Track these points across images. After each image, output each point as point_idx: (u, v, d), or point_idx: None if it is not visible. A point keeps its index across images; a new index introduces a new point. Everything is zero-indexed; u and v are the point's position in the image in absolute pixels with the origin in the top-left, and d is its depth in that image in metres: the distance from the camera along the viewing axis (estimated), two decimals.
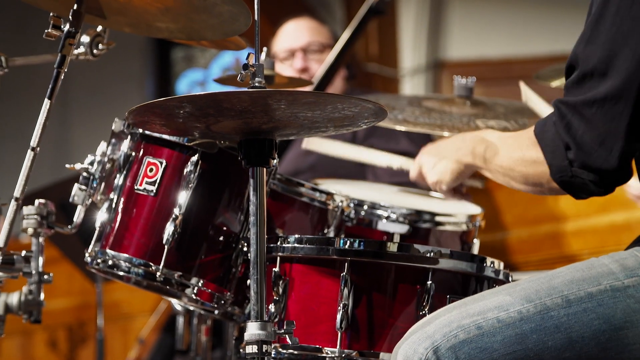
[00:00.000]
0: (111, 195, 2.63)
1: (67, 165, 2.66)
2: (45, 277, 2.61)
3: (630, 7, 2.03)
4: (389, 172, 3.90)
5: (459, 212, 2.95)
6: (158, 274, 2.51)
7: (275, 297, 2.38)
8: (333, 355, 2.31)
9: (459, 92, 3.19)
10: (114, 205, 2.62)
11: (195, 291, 2.54)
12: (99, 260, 2.60)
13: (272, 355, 2.18)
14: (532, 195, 3.77)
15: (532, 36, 6.45)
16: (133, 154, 2.62)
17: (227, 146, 2.55)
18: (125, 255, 2.56)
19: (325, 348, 2.32)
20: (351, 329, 2.31)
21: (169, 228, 2.52)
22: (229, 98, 2.05)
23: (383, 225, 2.81)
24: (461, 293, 2.32)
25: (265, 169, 2.18)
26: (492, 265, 2.38)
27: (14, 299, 2.62)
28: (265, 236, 2.18)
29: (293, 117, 2.13)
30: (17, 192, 2.42)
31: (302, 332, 2.32)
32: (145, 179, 2.58)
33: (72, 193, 2.63)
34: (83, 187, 2.62)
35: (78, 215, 2.64)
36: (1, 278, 2.51)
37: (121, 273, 2.57)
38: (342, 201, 2.72)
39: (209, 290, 2.54)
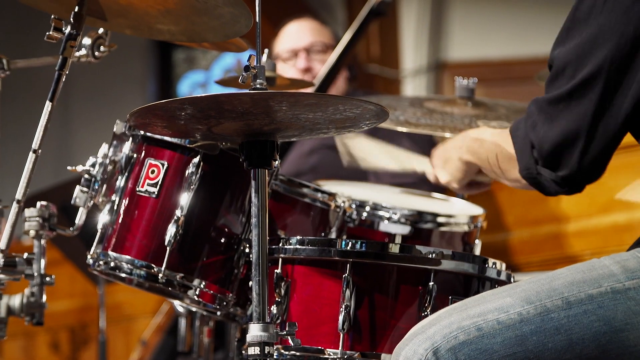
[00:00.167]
0: (113, 197, 2.63)
1: (68, 168, 2.66)
2: (47, 279, 2.62)
3: (600, 13, 2.05)
4: (390, 173, 3.90)
5: (460, 213, 2.95)
6: (160, 275, 2.51)
7: (277, 299, 2.38)
8: (335, 357, 2.31)
9: (461, 93, 3.20)
10: (115, 207, 2.62)
11: (197, 293, 2.54)
12: (100, 262, 2.60)
13: (274, 357, 2.18)
14: (534, 195, 3.76)
15: (534, 37, 6.44)
16: (135, 155, 2.62)
17: (228, 148, 2.55)
18: (127, 257, 2.56)
19: (327, 349, 2.32)
20: (353, 330, 2.31)
21: (171, 230, 2.52)
22: (230, 100, 2.05)
23: (385, 227, 2.81)
24: (463, 294, 2.32)
25: (266, 171, 2.18)
26: (494, 266, 2.38)
27: (16, 301, 2.62)
28: (267, 238, 2.18)
29: (294, 119, 2.13)
30: (18, 195, 2.42)
31: (304, 334, 2.32)
32: (147, 181, 2.58)
33: (74, 195, 2.63)
34: (85, 189, 2.62)
35: (80, 217, 2.64)
36: (3, 280, 2.52)
37: (123, 275, 2.57)
38: (344, 202, 2.72)
39: (211, 292, 2.54)
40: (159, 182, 2.56)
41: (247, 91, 2.06)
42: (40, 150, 2.43)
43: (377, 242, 2.38)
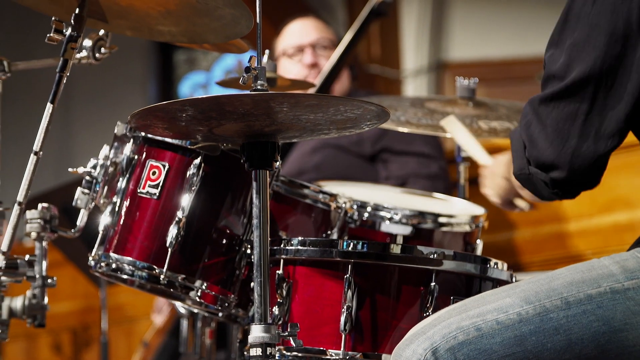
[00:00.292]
0: (114, 199, 2.63)
1: (70, 169, 2.66)
2: (49, 281, 2.62)
3: (589, 14, 2.05)
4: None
5: (462, 213, 2.95)
6: (162, 277, 2.51)
7: (279, 300, 2.38)
8: (337, 358, 2.31)
9: (462, 93, 3.20)
10: (117, 209, 2.62)
11: (199, 294, 2.54)
12: (102, 264, 2.60)
13: (276, 358, 2.18)
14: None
15: (534, 37, 6.42)
16: (136, 157, 2.62)
17: (229, 149, 2.55)
18: (129, 258, 2.56)
19: (329, 350, 2.32)
20: (355, 330, 2.31)
21: (172, 231, 2.52)
22: (231, 101, 2.06)
23: (386, 227, 2.81)
24: (464, 294, 2.32)
25: (268, 172, 2.18)
26: (495, 266, 2.38)
27: (17, 303, 2.62)
28: (269, 239, 2.18)
29: (295, 120, 2.13)
30: (20, 196, 2.42)
31: (306, 335, 2.33)
32: (148, 182, 2.58)
33: (75, 197, 2.63)
34: (86, 190, 2.63)
35: (81, 219, 2.64)
36: (5, 282, 2.52)
37: (125, 276, 2.58)
38: (345, 203, 2.72)
39: (213, 293, 2.54)
40: (160, 184, 2.56)
41: (248, 92, 2.06)
42: (41, 152, 2.43)
43: (379, 243, 2.38)
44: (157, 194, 2.56)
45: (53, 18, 2.45)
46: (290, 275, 2.39)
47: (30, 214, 2.61)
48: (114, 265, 2.58)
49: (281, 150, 2.23)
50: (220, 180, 2.57)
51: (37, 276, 2.59)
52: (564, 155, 2.08)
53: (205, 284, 2.53)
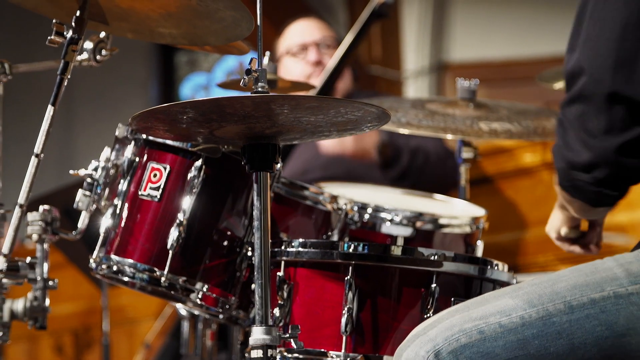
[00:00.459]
0: (115, 201, 2.63)
1: (71, 171, 2.66)
2: (50, 283, 2.62)
3: (602, 9, 2.04)
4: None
5: (462, 214, 2.95)
6: (163, 279, 2.52)
7: (279, 302, 2.38)
8: (338, 359, 2.31)
9: (462, 94, 3.20)
10: (118, 211, 2.62)
11: (199, 296, 2.54)
12: (103, 266, 2.60)
13: None
14: (536, 196, 3.76)
15: (535, 38, 6.44)
16: (137, 159, 2.62)
17: (230, 151, 2.56)
18: (130, 260, 2.56)
19: (330, 352, 2.32)
20: (356, 332, 2.31)
21: (173, 233, 2.52)
22: (231, 103, 2.06)
23: (387, 228, 2.81)
24: (465, 296, 2.32)
25: (268, 174, 2.19)
26: (496, 268, 2.38)
27: (19, 305, 2.62)
28: (270, 240, 2.18)
29: (296, 122, 2.13)
30: (21, 199, 2.42)
31: (306, 336, 2.33)
32: (149, 185, 2.58)
33: (77, 199, 2.63)
34: (87, 192, 2.63)
35: (82, 221, 2.64)
36: (6, 284, 2.52)
37: (126, 279, 2.58)
38: (345, 204, 2.72)
39: (214, 295, 2.54)
40: (161, 186, 2.56)
41: (248, 94, 2.06)
42: (42, 154, 2.43)
43: (380, 244, 2.38)
44: (158, 196, 2.56)
45: (54, 20, 2.45)
46: (291, 277, 2.39)
47: (31, 216, 2.61)
48: (115, 268, 2.58)
49: (282, 152, 2.23)
50: (221, 183, 2.57)
51: (39, 278, 2.59)
52: (599, 152, 2.04)
53: (206, 286, 2.53)
